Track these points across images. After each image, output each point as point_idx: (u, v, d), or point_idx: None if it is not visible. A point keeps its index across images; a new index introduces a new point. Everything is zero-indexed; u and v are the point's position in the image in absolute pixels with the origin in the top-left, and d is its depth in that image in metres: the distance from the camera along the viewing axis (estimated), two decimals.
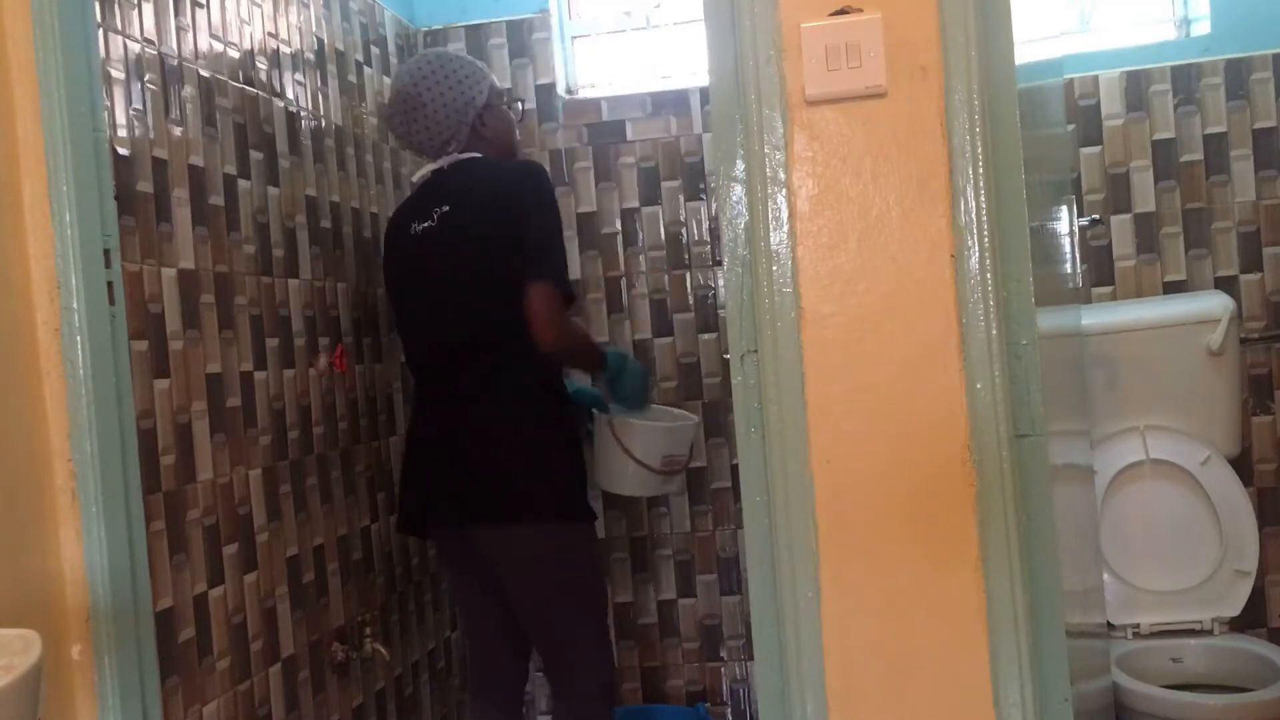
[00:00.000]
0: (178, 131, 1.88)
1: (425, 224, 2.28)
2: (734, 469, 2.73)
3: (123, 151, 1.73)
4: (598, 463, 2.42)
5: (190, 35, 1.94)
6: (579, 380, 2.57)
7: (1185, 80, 2.74)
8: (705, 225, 2.92)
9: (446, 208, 2.25)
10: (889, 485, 1.33)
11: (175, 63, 1.89)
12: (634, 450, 2.37)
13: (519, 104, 2.52)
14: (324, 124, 2.40)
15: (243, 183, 2.07)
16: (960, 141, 1.30)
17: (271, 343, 2.13)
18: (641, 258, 2.95)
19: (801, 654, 1.35)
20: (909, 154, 1.32)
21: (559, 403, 2.31)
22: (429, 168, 2.36)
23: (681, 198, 2.93)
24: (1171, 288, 2.76)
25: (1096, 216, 2.70)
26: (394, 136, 2.45)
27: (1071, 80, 2.73)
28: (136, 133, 1.77)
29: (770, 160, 1.33)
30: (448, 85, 2.29)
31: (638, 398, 2.47)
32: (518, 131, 2.48)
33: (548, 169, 2.89)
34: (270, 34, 2.21)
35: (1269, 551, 2.71)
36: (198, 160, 1.93)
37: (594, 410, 2.44)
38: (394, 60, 2.82)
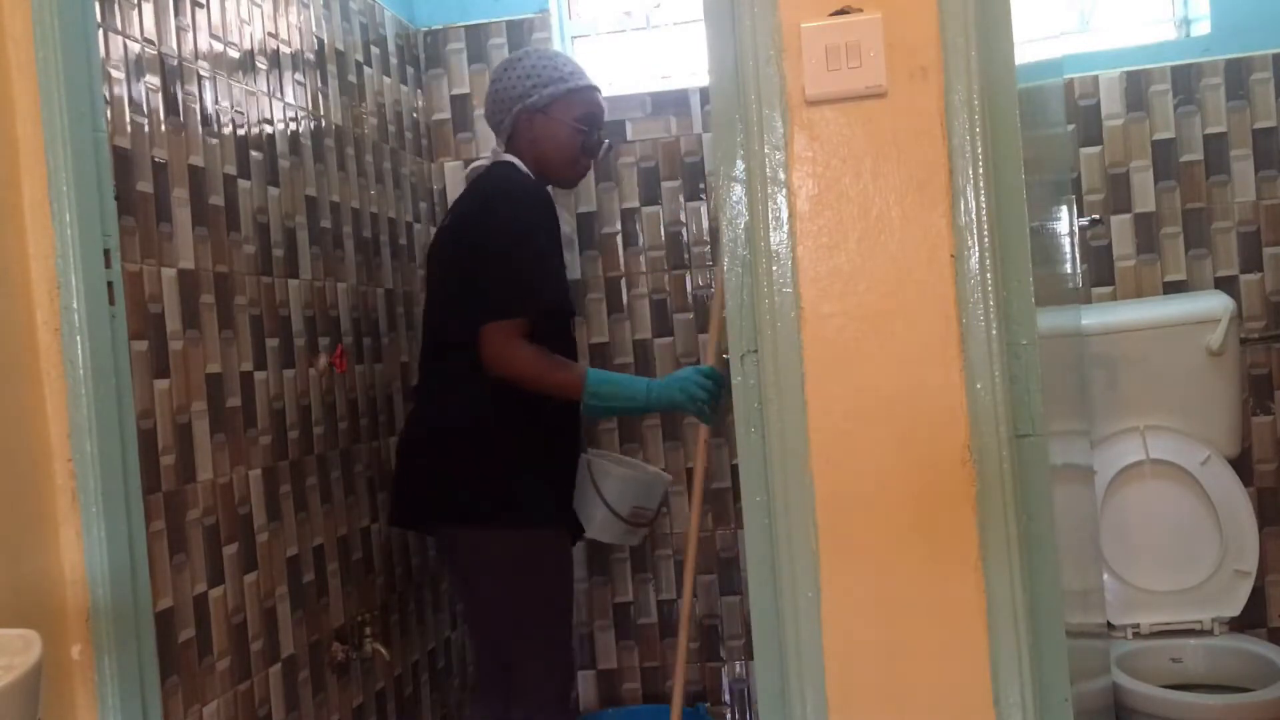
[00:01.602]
0: (178, 132, 1.88)
1: (443, 223, 2.36)
2: (734, 469, 2.73)
3: (123, 150, 1.73)
4: (575, 502, 2.37)
5: (190, 35, 1.93)
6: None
7: (1185, 80, 2.74)
8: (705, 225, 2.92)
9: (456, 211, 2.31)
10: (889, 485, 1.33)
11: (175, 63, 1.88)
12: (607, 495, 2.37)
13: (605, 142, 2.38)
14: (324, 124, 2.40)
15: (243, 183, 2.06)
16: (960, 141, 1.30)
17: (271, 343, 2.13)
18: (641, 258, 2.95)
19: (801, 654, 1.35)
20: (909, 154, 1.32)
21: (524, 411, 2.19)
22: (479, 162, 2.44)
23: (681, 198, 2.93)
24: (1171, 288, 2.76)
25: (1096, 216, 2.70)
26: None
27: (1071, 80, 2.73)
28: (136, 133, 1.77)
29: (770, 160, 1.33)
30: (511, 75, 2.32)
31: (705, 410, 2.23)
32: (580, 161, 2.35)
33: None
34: (270, 34, 2.21)
35: (1269, 551, 2.71)
36: (198, 160, 1.93)
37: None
38: (394, 60, 2.82)
